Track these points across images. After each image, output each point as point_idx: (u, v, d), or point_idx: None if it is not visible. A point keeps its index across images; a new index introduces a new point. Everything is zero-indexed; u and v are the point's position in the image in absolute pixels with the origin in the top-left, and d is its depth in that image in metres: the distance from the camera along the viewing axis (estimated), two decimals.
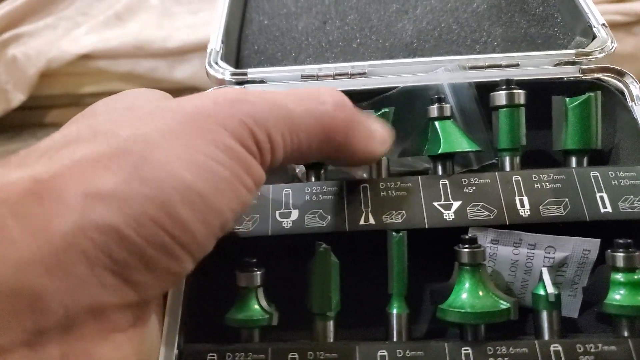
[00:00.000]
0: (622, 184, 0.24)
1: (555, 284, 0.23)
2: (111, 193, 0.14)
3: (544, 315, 0.22)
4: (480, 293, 0.22)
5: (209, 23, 0.66)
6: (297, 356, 0.21)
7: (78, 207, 0.14)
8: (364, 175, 0.28)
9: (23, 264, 0.13)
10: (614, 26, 0.79)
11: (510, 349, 0.21)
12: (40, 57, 0.64)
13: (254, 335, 0.23)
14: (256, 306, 0.23)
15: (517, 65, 0.28)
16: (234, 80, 0.30)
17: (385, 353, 0.21)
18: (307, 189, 0.25)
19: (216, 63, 0.30)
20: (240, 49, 0.35)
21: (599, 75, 0.28)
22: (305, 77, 0.29)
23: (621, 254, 0.22)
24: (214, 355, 0.22)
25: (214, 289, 0.24)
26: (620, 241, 0.22)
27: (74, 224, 0.14)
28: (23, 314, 0.14)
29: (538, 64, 0.29)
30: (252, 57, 0.34)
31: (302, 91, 0.20)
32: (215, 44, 0.31)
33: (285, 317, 0.24)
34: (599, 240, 0.23)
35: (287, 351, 0.21)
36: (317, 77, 0.29)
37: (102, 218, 0.14)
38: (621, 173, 0.24)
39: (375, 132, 0.22)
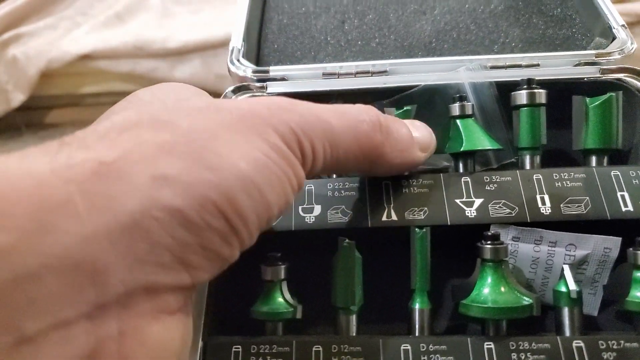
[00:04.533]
0: None
1: (575, 281, 0.23)
2: (176, 177, 0.15)
3: (565, 311, 0.23)
4: (503, 289, 0.22)
5: (210, 23, 0.67)
6: (321, 349, 0.22)
7: (144, 188, 0.15)
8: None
9: (88, 238, 0.14)
10: None
11: (533, 344, 0.21)
12: (41, 57, 0.64)
13: (278, 328, 0.23)
14: (280, 299, 0.23)
15: (538, 65, 0.29)
16: (255, 78, 0.30)
17: (409, 347, 0.21)
18: (329, 185, 0.25)
19: (238, 60, 0.31)
20: (260, 47, 0.35)
21: (619, 75, 0.28)
22: (327, 75, 0.29)
23: None
24: (238, 347, 0.22)
25: (238, 282, 0.24)
26: None
27: (140, 204, 0.14)
28: (86, 287, 0.14)
29: (558, 65, 0.29)
30: (272, 56, 0.35)
31: (344, 107, 0.21)
32: (237, 41, 0.31)
33: (309, 311, 0.24)
34: (620, 238, 0.24)
35: (311, 344, 0.22)
36: (339, 75, 0.29)
37: (167, 199, 0.15)
38: None
39: (414, 141, 0.23)
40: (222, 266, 0.17)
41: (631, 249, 0.23)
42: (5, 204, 0.13)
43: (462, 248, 0.24)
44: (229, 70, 0.31)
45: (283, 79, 0.30)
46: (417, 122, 0.24)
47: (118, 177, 0.14)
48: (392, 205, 0.24)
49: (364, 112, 0.21)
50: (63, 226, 0.14)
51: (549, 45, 0.33)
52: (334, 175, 0.27)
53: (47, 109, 0.68)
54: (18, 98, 0.65)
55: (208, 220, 0.15)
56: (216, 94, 0.23)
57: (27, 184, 0.14)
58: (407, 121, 0.23)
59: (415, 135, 0.23)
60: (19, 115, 0.66)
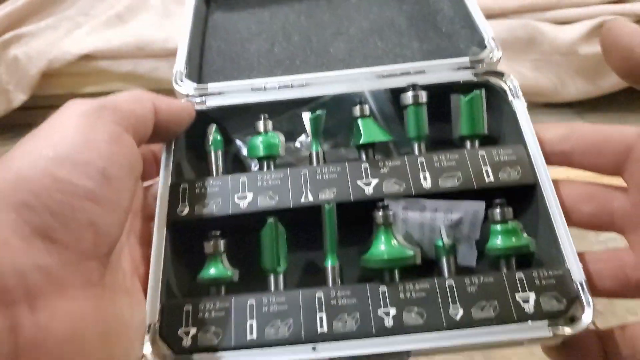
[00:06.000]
0: (502, 159, 0.31)
1: (454, 239, 0.30)
2: (13, 187, 0.22)
3: (443, 260, 0.29)
4: (393, 244, 0.29)
5: None
6: (254, 303, 0.28)
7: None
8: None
9: None
10: None
11: (416, 285, 0.27)
12: (42, 57, 0.65)
13: (221, 290, 0.29)
14: (221, 267, 0.29)
15: (423, 71, 0.36)
16: (197, 94, 0.36)
17: (322, 294, 0.27)
18: (260, 177, 0.31)
19: (181, 80, 0.37)
20: (202, 68, 0.41)
21: (488, 77, 0.35)
22: (255, 89, 0.36)
23: (497, 210, 0.29)
24: (189, 307, 0.28)
25: (187, 259, 0.30)
26: (497, 201, 0.29)
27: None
28: None
29: (441, 70, 0.36)
30: (212, 76, 0.41)
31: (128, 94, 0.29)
32: (180, 65, 0.37)
33: (244, 276, 0.30)
34: (484, 202, 0.30)
35: (246, 300, 0.28)
36: (265, 89, 0.36)
37: (12, 198, 0.21)
38: (501, 151, 0.31)
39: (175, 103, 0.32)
40: (106, 230, 0.24)
41: (490, 209, 0.30)
42: None
43: (366, 220, 0.30)
44: (174, 90, 0.36)
45: (220, 93, 0.36)
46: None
47: None
48: (309, 188, 0.31)
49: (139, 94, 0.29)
50: None
51: (440, 56, 0.40)
52: (265, 169, 0.33)
53: (48, 109, 0.70)
54: (19, 98, 0.65)
55: (44, 200, 0.22)
56: None
57: None
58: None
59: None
60: (20, 115, 0.67)
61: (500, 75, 0.35)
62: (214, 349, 0.26)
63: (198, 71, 0.41)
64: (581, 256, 0.28)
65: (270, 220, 0.30)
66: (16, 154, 0.24)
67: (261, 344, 0.26)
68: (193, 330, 0.27)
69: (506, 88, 0.34)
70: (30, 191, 0.22)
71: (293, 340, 0.26)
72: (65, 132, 0.25)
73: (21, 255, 0.21)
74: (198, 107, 0.34)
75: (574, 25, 0.71)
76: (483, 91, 0.33)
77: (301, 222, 0.30)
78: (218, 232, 0.30)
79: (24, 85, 0.66)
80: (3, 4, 0.71)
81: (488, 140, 0.34)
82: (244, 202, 0.31)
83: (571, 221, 0.29)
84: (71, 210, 0.22)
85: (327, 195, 0.30)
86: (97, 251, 0.24)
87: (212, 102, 0.35)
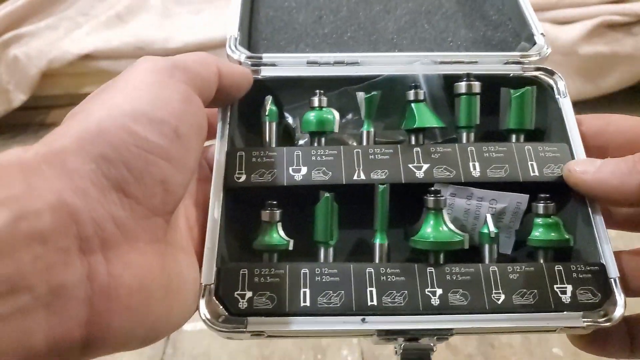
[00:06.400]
0: (547, 155, 0.32)
1: (495, 227, 0.32)
2: (89, 135, 0.22)
3: (486, 247, 0.31)
4: (441, 229, 0.30)
5: (210, 24, 0.69)
6: (307, 271, 0.29)
7: (78, 150, 0.22)
8: (354, 143, 0.36)
9: (59, 191, 0.20)
10: (613, 26, 0.81)
11: (462, 269, 0.29)
12: (42, 58, 0.65)
13: (274, 258, 0.30)
14: (276, 235, 0.30)
15: (476, 62, 0.36)
16: (249, 63, 0.36)
17: (372, 270, 0.29)
18: (313, 152, 0.32)
19: (235, 47, 0.37)
20: (251, 37, 0.41)
21: (536, 73, 0.36)
22: (310, 63, 0.36)
23: (541, 204, 0.31)
24: (245, 271, 0.29)
25: (244, 225, 0.31)
26: (542, 195, 0.31)
27: (79, 161, 0.21)
28: (69, 224, 0.20)
29: (492, 62, 0.37)
30: (261, 44, 0.41)
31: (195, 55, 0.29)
32: (234, 31, 0.38)
33: (298, 247, 0.31)
34: (528, 195, 0.32)
35: (300, 268, 0.29)
36: (319, 64, 0.36)
37: (92, 151, 0.22)
38: (547, 148, 0.33)
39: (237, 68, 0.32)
40: (174, 189, 0.25)
41: (534, 202, 0.31)
42: (3, 173, 0.20)
43: (413, 202, 0.31)
44: (228, 56, 0.37)
45: (273, 64, 0.36)
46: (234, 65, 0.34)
47: (62, 149, 0.22)
48: (361, 167, 0.32)
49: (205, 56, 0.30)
50: (42, 185, 0.20)
51: (487, 45, 0.41)
52: (316, 144, 0.34)
53: (48, 108, 0.69)
54: (19, 98, 0.66)
55: (123, 154, 0.23)
56: None
57: (11, 162, 0.21)
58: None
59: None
60: (20, 115, 0.67)
61: (550, 72, 0.36)
62: (268, 313, 0.28)
63: (248, 39, 0.41)
64: (617, 255, 0.29)
65: (327, 194, 0.31)
66: (95, 104, 0.25)
67: (314, 312, 0.28)
68: (249, 294, 0.28)
69: (554, 86, 0.35)
70: (109, 144, 0.22)
71: (344, 311, 0.28)
72: (141, 88, 0.25)
73: (99, 206, 0.21)
74: (254, 76, 0.35)
75: (574, 25, 0.72)
76: (534, 88, 0.34)
77: (351, 200, 0.32)
78: (275, 202, 0.31)
79: (24, 85, 0.67)
80: (3, 4, 0.70)
81: (534, 136, 0.35)
82: (299, 175, 0.32)
83: (611, 220, 0.30)
84: (145, 166, 0.23)
85: (379, 175, 0.31)
86: (165, 208, 0.25)
87: (266, 74, 0.36)
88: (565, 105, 0.34)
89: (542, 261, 0.30)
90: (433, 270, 0.29)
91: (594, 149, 0.32)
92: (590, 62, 0.70)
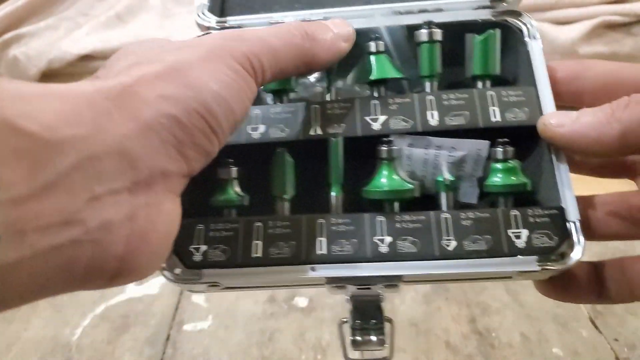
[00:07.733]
0: (511, 100, 0.31)
1: (457, 177, 0.31)
2: (171, 95, 0.23)
3: (443, 195, 0.30)
4: (394, 178, 0.30)
5: None
6: (261, 225, 0.30)
7: (153, 103, 0.22)
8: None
9: (124, 136, 0.21)
10: (612, 26, 0.80)
11: (412, 217, 0.29)
12: (41, 58, 0.66)
13: (231, 213, 0.31)
14: (232, 191, 0.31)
15: (441, 9, 0.35)
16: (217, 27, 0.37)
17: (323, 221, 0.29)
18: (272, 110, 0.33)
19: (203, 13, 0.37)
20: (224, 2, 0.42)
21: (505, 17, 0.35)
22: (273, 23, 0.36)
23: (499, 149, 0.30)
24: (202, 226, 0.30)
25: (201, 183, 0.32)
26: (500, 140, 0.30)
27: (152, 114, 0.22)
28: (127, 169, 0.21)
29: (459, 9, 0.36)
30: (235, 9, 0.41)
31: (278, 27, 0.29)
32: None
33: (257, 204, 0.32)
34: (489, 142, 0.31)
35: (254, 222, 0.30)
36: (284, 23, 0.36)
37: (168, 110, 0.22)
38: (511, 92, 0.32)
39: (337, 36, 0.31)
40: (207, 159, 0.25)
41: (492, 147, 0.30)
42: (74, 109, 0.20)
43: (370, 154, 0.31)
44: (197, 23, 0.38)
45: (239, 26, 0.37)
46: (337, 20, 0.32)
47: (135, 96, 0.22)
48: (318, 123, 0.32)
49: (294, 28, 0.29)
50: (108, 128, 0.21)
51: None
52: (277, 102, 0.34)
53: None
54: None
55: (195, 123, 0.23)
56: None
57: (82, 98, 0.21)
58: (328, 21, 0.31)
59: (336, 31, 0.31)
60: None
61: (517, 14, 0.34)
62: (222, 265, 0.29)
63: (220, 5, 0.41)
64: (590, 199, 0.28)
65: (279, 149, 0.31)
66: (180, 71, 0.25)
67: (265, 262, 0.29)
68: (203, 247, 0.29)
69: (523, 28, 0.34)
70: (185, 110, 0.23)
71: (293, 261, 0.28)
72: (224, 72, 0.25)
73: (157, 158, 0.23)
74: None
75: (573, 26, 0.70)
76: (498, 31, 0.33)
77: (311, 156, 0.32)
78: (231, 160, 0.32)
79: None
80: (3, 4, 0.71)
81: (503, 83, 0.34)
82: (256, 133, 0.32)
83: (582, 169, 0.29)
84: (203, 137, 0.24)
85: (336, 129, 0.31)
86: (194, 172, 0.26)
87: None
88: (535, 48, 0.33)
89: (499, 207, 0.30)
90: (383, 218, 0.29)
91: (569, 94, 0.31)
92: None
